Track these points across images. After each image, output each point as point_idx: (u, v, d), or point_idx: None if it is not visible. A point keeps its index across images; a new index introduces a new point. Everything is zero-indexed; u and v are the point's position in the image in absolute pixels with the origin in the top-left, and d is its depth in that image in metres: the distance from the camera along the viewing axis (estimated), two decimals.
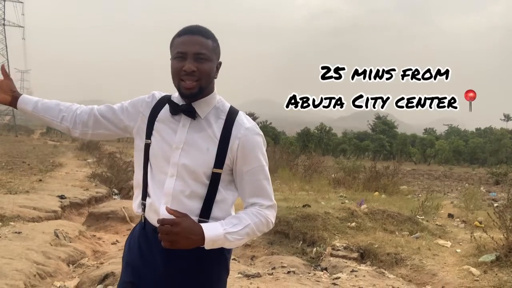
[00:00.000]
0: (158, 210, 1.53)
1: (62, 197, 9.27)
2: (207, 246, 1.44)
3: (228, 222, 1.49)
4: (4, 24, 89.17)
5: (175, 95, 1.63)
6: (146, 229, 1.61)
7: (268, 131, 58.00)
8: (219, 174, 1.53)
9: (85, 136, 1.74)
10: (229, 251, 1.64)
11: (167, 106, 1.61)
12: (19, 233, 5.82)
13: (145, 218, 1.61)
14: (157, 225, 1.44)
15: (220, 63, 1.61)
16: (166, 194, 1.52)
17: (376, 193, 11.15)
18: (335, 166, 19.81)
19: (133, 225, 7.91)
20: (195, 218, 1.51)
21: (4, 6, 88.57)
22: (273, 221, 1.58)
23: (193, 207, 1.52)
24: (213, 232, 1.44)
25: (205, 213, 1.53)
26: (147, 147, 1.60)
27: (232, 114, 1.58)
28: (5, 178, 11.67)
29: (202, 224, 1.44)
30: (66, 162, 20.21)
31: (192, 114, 1.55)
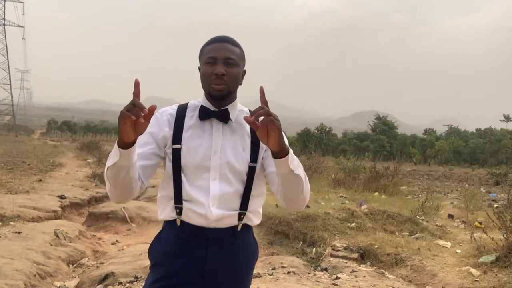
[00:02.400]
0: (208, 212, 1.60)
1: (62, 197, 9.28)
2: (290, 158, 1.45)
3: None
4: (4, 24, 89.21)
5: (193, 103, 1.70)
6: (184, 230, 1.64)
7: None
8: (254, 168, 1.65)
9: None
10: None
11: (191, 115, 1.67)
12: (19, 233, 5.82)
13: (182, 221, 1.64)
14: (201, 225, 1.59)
15: (245, 71, 1.71)
16: (214, 196, 1.61)
17: (376, 193, 11.15)
18: (335, 166, 19.80)
19: (133, 225, 7.95)
20: (236, 212, 1.64)
21: (4, 6, 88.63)
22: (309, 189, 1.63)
23: (235, 203, 1.64)
24: (291, 152, 1.48)
25: (244, 206, 1.66)
26: (177, 152, 1.62)
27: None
28: (5, 178, 11.68)
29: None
30: (66, 162, 20.22)
31: (225, 118, 1.64)
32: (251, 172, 1.65)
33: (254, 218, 1.71)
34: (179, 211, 1.64)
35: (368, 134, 69.26)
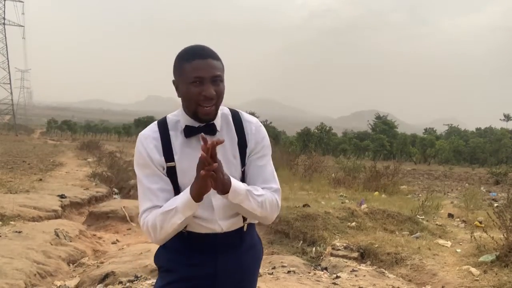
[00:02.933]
0: (216, 226, 1.62)
1: (62, 196, 9.28)
2: (231, 194, 1.51)
3: (250, 187, 1.60)
4: (4, 23, 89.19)
5: (172, 118, 1.65)
6: (191, 239, 1.64)
7: (269, 130, 57.41)
8: (244, 170, 1.68)
9: None
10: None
11: (174, 133, 1.62)
12: (19, 232, 5.82)
13: (188, 232, 1.64)
14: (208, 232, 1.61)
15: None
16: (218, 209, 1.62)
17: (376, 192, 11.15)
18: (335, 165, 19.81)
19: (133, 224, 7.95)
20: (240, 215, 1.66)
21: (4, 5, 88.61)
22: (280, 204, 1.70)
23: (237, 207, 1.63)
24: (238, 184, 1.54)
25: None
26: (172, 170, 1.60)
27: (236, 115, 1.70)
28: (5, 178, 11.68)
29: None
30: (66, 161, 20.22)
31: (212, 131, 1.61)
32: (243, 176, 1.67)
33: None
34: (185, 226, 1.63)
35: (368, 134, 69.26)
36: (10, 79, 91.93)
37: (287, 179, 12.20)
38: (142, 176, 1.61)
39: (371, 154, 58.41)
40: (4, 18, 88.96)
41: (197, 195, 1.47)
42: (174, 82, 1.61)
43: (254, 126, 1.68)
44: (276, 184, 1.69)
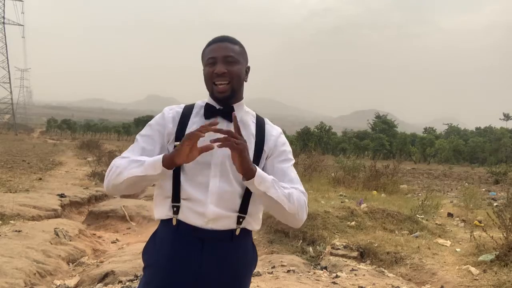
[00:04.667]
0: (205, 209, 1.58)
1: (62, 195, 9.28)
2: (256, 180, 1.49)
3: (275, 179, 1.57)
4: (4, 23, 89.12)
5: (199, 103, 1.70)
6: (180, 231, 1.62)
7: None
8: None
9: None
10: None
11: (196, 112, 1.67)
12: (19, 231, 5.82)
13: (178, 220, 1.62)
14: (197, 225, 1.58)
15: (249, 68, 1.71)
16: (213, 193, 1.59)
17: (375, 192, 11.15)
18: (335, 165, 19.81)
19: (133, 223, 7.96)
20: (235, 214, 1.61)
21: (4, 4, 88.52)
22: (307, 206, 1.64)
23: (234, 204, 1.61)
24: (263, 174, 1.52)
25: (244, 209, 1.63)
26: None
27: (260, 118, 1.74)
28: (5, 177, 11.68)
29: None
30: (66, 160, 20.23)
31: (231, 117, 1.59)
32: None
33: (253, 223, 1.67)
34: (176, 210, 1.61)
35: (368, 133, 69.26)
36: (9, 78, 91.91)
37: None
38: (141, 133, 1.67)
39: (370, 154, 58.41)
40: (3, 17, 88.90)
41: (170, 158, 1.47)
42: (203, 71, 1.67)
43: (275, 131, 1.71)
44: (302, 187, 1.66)
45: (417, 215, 7.87)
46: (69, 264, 5.37)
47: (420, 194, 12.67)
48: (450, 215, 9.09)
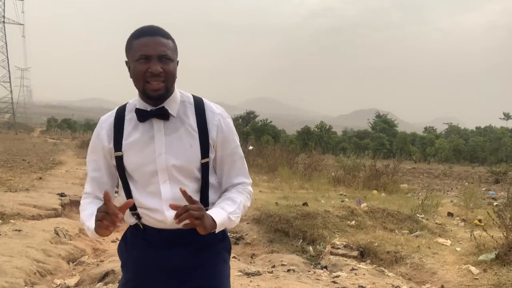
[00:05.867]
0: (164, 217, 1.57)
1: (62, 195, 9.27)
2: (218, 229, 1.51)
3: (225, 205, 1.57)
4: (4, 22, 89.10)
5: (132, 102, 1.63)
6: (147, 233, 1.63)
7: (268, 129, 57.90)
8: (207, 163, 1.60)
9: None
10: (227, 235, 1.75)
11: (129, 117, 1.60)
12: (19, 231, 5.82)
13: (143, 224, 1.63)
14: (161, 227, 1.58)
15: (178, 62, 1.61)
16: (167, 199, 1.55)
17: (375, 191, 11.14)
18: (335, 164, 19.80)
19: None
20: None
21: (4, 3, 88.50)
22: (252, 192, 1.70)
23: None
24: (221, 217, 1.51)
25: (204, 202, 1.60)
26: (119, 160, 1.59)
27: (199, 104, 1.63)
28: (5, 176, 11.67)
29: (209, 212, 1.51)
30: (66, 160, 20.22)
31: (165, 116, 1.56)
32: (205, 168, 1.59)
33: None
34: (137, 216, 1.61)
35: (368, 132, 69.26)
36: (10, 77, 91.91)
37: (287, 177, 12.19)
38: (88, 160, 1.68)
39: (371, 153, 58.39)
40: (4, 17, 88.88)
41: (97, 232, 1.48)
42: (126, 62, 1.57)
43: (218, 117, 1.61)
44: (248, 179, 1.69)
45: (417, 215, 7.87)
46: (69, 263, 5.36)
47: (420, 194, 12.66)
48: (450, 214, 9.08)
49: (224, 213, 1.53)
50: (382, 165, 13.54)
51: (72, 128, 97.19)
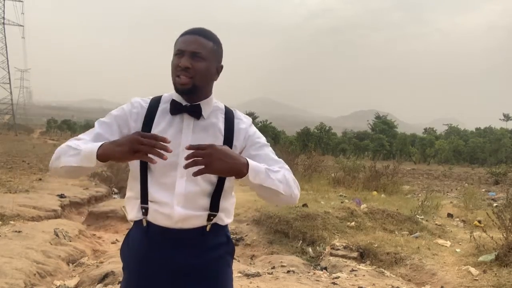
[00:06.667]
0: (172, 211, 1.55)
1: (62, 196, 9.28)
2: (251, 175, 1.45)
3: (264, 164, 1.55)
4: (3, 23, 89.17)
5: (167, 95, 1.65)
6: (150, 232, 1.60)
7: (268, 130, 57.95)
8: None
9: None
10: (232, 243, 1.72)
11: (163, 108, 1.61)
12: (19, 232, 5.82)
13: (148, 222, 1.60)
14: (166, 225, 1.54)
15: (222, 67, 1.64)
16: (179, 194, 1.55)
17: (375, 192, 11.14)
18: (334, 165, 19.79)
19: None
20: (205, 213, 1.58)
21: (3, 5, 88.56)
22: (297, 182, 1.63)
23: (203, 203, 1.58)
24: (256, 163, 1.48)
25: (215, 207, 1.60)
26: None
27: (229, 112, 1.67)
28: (5, 177, 11.67)
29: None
30: None
31: (197, 114, 1.58)
32: None
33: (225, 218, 1.65)
34: (145, 211, 1.59)
35: (368, 133, 69.32)
36: (9, 78, 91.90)
37: None
38: (101, 120, 1.61)
39: (370, 154, 58.42)
40: (3, 18, 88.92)
41: (106, 155, 1.39)
42: None
43: (245, 124, 1.66)
44: (285, 165, 1.64)
45: (417, 216, 7.87)
46: (69, 265, 5.36)
47: (420, 195, 12.67)
48: (450, 215, 9.09)
49: (262, 167, 1.49)
50: (382, 166, 13.54)
51: (72, 129, 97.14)
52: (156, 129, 1.57)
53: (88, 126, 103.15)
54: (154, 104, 1.63)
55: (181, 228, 1.56)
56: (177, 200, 1.54)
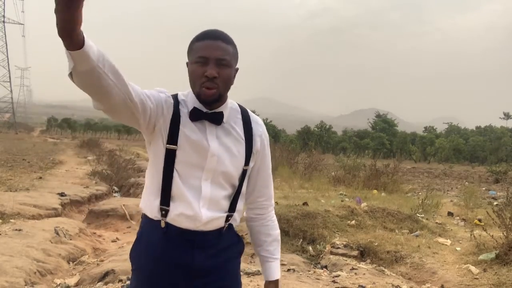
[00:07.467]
0: (198, 214, 1.55)
1: (62, 194, 9.28)
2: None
3: (274, 251, 1.85)
4: (4, 21, 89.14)
5: (183, 97, 1.59)
6: (169, 234, 1.58)
7: (268, 129, 57.46)
8: (246, 171, 1.65)
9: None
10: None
11: (183, 110, 1.56)
12: (19, 230, 5.82)
13: (166, 223, 1.57)
14: (188, 227, 1.56)
15: (237, 69, 1.60)
16: (204, 197, 1.56)
17: (375, 191, 11.15)
18: (335, 164, 19.82)
19: (133, 222, 7.95)
20: (225, 214, 1.61)
21: (4, 3, 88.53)
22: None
23: (225, 205, 1.62)
24: (278, 271, 1.83)
25: (232, 208, 1.64)
26: (171, 152, 1.55)
27: (244, 113, 1.67)
28: (5, 176, 11.68)
29: (271, 272, 1.83)
30: (66, 159, 20.23)
31: (219, 121, 1.57)
32: (243, 175, 1.63)
33: (238, 218, 1.69)
34: (165, 213, 1.56)
35: (368, 132, 69.30)
36: (10, 77, 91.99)
37: (287, 177, 12.20)
38: (156, 89, 1.56)
39: (371, 153, 58.44)
40: (4, 16, 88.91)
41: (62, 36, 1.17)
42: (186, 64, 1.55)
43: (261, 129, 1.68)
44: (273, 200, 1.83)
45: (417, 214, 7.88)
46: (69, 263, 5.37)
47: (420, 193, 12.67)
48: (450, 214, 9.09)
49: (278, 263, 1.83)
50: (382, 165, 13.55)
51: (72, 127, 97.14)
52: (183, 132, 1.54)
53: (88, 124, 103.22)
54: (177, 104, 1.57)
55: (202, 230, 1.57)
56: (202, 203, 1.56)
